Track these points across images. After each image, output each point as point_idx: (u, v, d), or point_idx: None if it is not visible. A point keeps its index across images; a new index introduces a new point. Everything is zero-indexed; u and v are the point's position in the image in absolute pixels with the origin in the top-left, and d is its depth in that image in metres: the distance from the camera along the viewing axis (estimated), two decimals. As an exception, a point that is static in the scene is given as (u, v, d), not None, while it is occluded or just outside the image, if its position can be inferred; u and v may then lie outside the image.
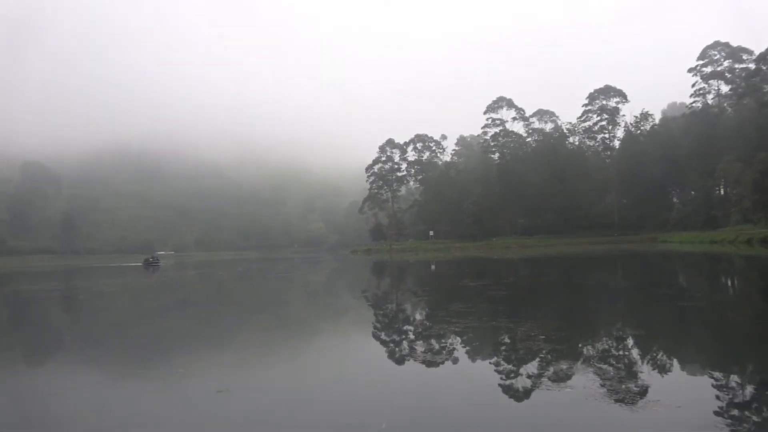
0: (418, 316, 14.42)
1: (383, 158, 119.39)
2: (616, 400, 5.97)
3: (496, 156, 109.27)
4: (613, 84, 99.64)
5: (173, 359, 9.92)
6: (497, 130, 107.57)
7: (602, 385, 6.55)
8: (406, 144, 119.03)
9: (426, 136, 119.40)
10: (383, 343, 10.67)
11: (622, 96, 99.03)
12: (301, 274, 38.41)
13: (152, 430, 5.73)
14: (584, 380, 6.82)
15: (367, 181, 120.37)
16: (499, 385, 7.01)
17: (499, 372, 7.71)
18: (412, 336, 10.96)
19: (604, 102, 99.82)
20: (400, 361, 8.83)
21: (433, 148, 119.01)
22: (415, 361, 8.57)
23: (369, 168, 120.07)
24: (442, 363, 8.35)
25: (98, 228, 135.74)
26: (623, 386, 6.51)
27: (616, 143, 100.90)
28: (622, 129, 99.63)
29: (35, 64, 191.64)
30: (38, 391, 7.69)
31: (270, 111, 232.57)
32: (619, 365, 7.73)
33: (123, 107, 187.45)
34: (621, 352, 8.74)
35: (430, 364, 8.28)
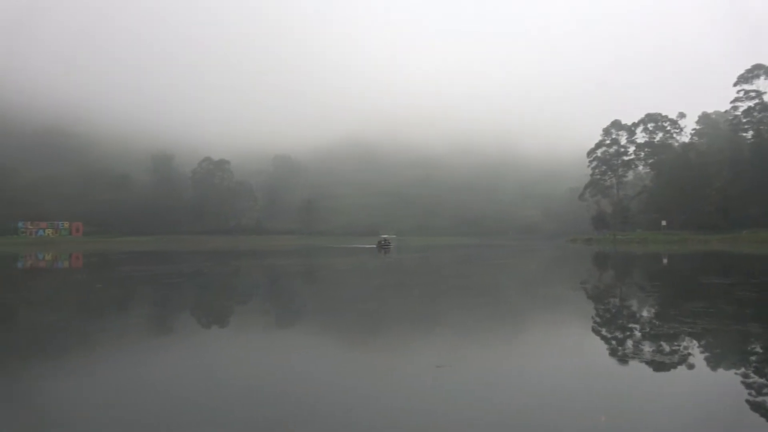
0: (645, 314, 13.29)
1: (607, 141, 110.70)
2: None
3: (749, 134, 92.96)
4: None
5: (398, 333, 10.80)
6: (752, 103, 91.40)
7: None
8: (635, 125, 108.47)
9: (659, 115, 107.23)
10: (604, 339, 10.10)
11: None
12: (516, 261, 38.01)
13: (379, 398, 6.40)
14: None
15: (588, 166, 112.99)
16: (747, 401, 6.16)
17: (747, 386, 6.77)
18: (637, 334, 10.18)
19: None
20: (622, 359, 8.30)
21: (668, 128, 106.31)
22: (640, 361, 7.98)
23: (591, 152, 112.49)
24: (673, 367, 7.63)
25: (331, 213, 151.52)
26: None
27: None
28: None
29: (284, 75, 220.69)
30: (285, 351, 9.10)
31: (483, 98, 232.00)
32: None
33: (350, 103, 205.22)
34: None
35: (658, 366, 7.64)
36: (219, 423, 5.41)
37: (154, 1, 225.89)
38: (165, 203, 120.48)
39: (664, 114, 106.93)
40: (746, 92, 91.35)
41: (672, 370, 7.48)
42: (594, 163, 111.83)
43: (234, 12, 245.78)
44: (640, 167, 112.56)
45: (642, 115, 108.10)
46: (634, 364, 7.81)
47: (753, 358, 8.19)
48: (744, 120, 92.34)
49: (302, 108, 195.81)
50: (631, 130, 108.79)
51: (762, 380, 6.90)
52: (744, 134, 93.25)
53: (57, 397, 6.40)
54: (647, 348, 8.80)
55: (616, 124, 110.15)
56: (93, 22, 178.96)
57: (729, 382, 6.97)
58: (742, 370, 7.50)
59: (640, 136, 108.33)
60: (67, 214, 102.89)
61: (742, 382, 6.86)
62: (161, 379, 7.18)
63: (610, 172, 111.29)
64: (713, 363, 8.06)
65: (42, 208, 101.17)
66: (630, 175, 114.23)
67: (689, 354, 8.33)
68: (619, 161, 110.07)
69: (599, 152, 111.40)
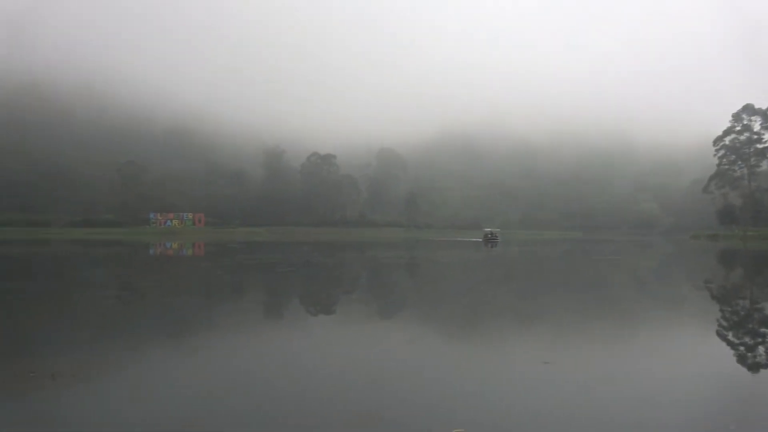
0: (780, 318, 12.02)
1: (738, 128, 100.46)
2: None
3: None
4: None
5: (503, 327, 10.65)
6: None
7: None
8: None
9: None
10: (731, 344, 9.27)
11: None
12: (628, 258, 35.85)
13: (484, 394, 6.37)
14: None
15: (714, 155, 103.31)
16: None
17: None
18: (771, 340, 9.25)
19: None
20: (753, 368, 7.60)
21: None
22: (774, 369, 7.27)
23: (718, 140, 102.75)
24: (815, 377, 6.87)
25: (434, 205, 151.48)
26: None
27: None
28: None
29: (387, 71, 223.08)
30: (386, 342, 9.30)
31: (592, 85, 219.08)
32: None
33: (452, 95, 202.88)
34: None
35: (796, 375, 6.92)
36: (315, 411, 5.66)
37: (258, 4, 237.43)
38: (276, 196, 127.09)
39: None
40: None
41: (813, 381, 6.74)
42: (721, 152, 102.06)
43: (336, 12, 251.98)
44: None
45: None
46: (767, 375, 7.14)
47: None
48: None
49: (405, 102, 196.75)
50: (766, 114, 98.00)
51: None
52: None
53: (175, 374, 7.07)
54: (783, 355, 7.99)
55: (749, 109, 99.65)
56: (203, 31, 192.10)
57: None
58: None
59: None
60: (191, 206, 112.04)
61: None
62: (266, 363, 7.66)
63: (740, 162, 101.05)
64: None
65: (169, 201, 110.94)
66: (764, 164, 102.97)
67: (835, 364, 7.45)
68: (752, 149, 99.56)
69: (727, 140, 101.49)
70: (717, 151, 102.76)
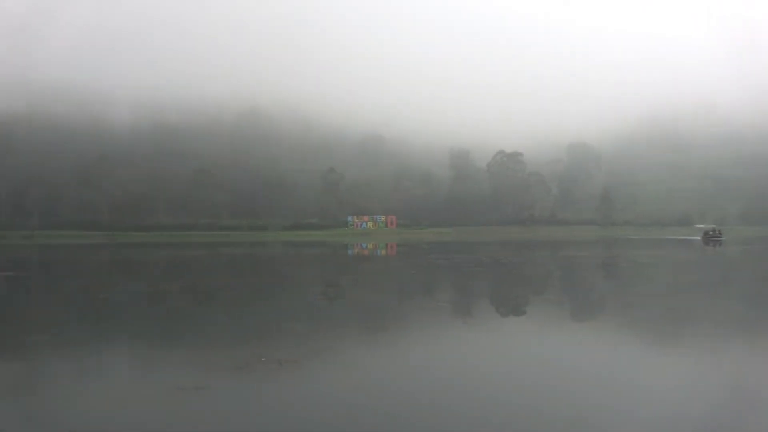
0: None
1: None
2: None
3: None
4: None
5: (689, 339, 9.57)
6: None
7: None
8: None
9: None
10: None
11: None
12: None
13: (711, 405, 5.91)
14: None
15: None
16: None
17: None
18: None
19: None
20: None
21: None
22: None
23: None
24: None
25: (633, 201, 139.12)
26: None
27: None
28: None
29: (572, 60, 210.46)
30: (580, 348, 8.96)
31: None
32: None
33: (646, 79, 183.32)
34: None
35: None
36: (491, 411, 5.78)
37: (437, 13, 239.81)
38: (463, 196, 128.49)
39: None
40: None
41: None
42: None
43: (518, 6, 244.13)
44: None
45: None
46: None
47: None
48: None
49: (595, 91, 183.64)
50: None
51: None
52: None
53: (382, 364, 7.77)
54: None
55: None
56: (390, 49, 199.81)
57: None
58: None
59: None
60: (383, 208, 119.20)
61: None
62: (461, 362, 7.99)
63: None
64: None
65: (364, 205, 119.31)
66: None
67: None
68: None
69: None
70: None
